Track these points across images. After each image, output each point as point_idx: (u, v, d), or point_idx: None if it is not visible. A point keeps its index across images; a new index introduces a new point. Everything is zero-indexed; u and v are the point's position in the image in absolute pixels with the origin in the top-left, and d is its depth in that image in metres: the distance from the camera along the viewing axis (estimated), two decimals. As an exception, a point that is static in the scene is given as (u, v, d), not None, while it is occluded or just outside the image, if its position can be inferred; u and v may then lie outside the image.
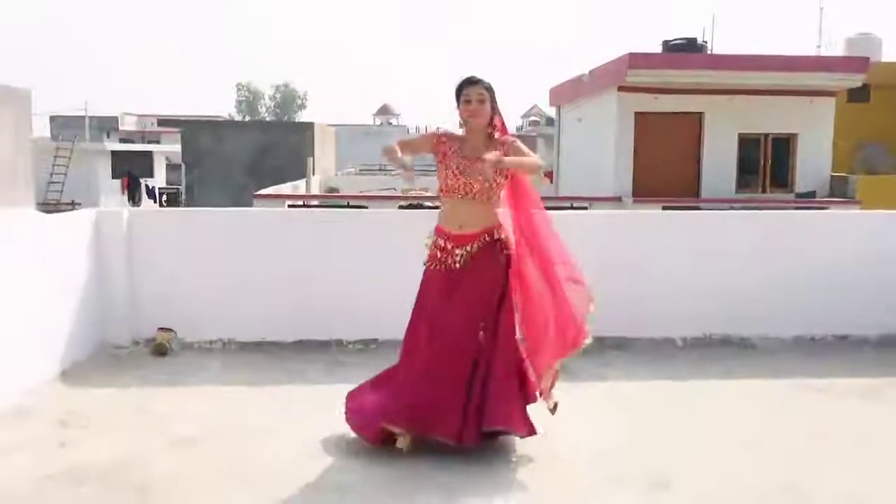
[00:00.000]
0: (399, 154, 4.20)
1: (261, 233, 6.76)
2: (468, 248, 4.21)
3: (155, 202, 28.95)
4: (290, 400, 5.30)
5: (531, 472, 4.17)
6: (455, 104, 4.29)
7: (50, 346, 5.65)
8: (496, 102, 4.29)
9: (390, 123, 66.51)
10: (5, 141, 6.60)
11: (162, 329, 6.53)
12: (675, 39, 17.41)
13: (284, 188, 17.15)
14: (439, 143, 4.31)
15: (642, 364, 6.27)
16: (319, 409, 4.83)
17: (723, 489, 3.98)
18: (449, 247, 4.22)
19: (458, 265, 4.20)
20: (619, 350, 6.65)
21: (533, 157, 4.31)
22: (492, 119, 4.28)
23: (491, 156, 3.97)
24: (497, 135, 4.30)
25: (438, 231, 4.32)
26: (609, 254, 6.79)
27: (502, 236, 4.30)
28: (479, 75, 4.28)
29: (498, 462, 4.26)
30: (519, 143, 4.33)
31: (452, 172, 4.21)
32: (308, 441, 4.51)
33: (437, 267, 4.25)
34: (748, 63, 14.57)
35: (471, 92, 4.22)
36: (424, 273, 4.33)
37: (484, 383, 4.12)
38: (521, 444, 4.41)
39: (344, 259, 6.65)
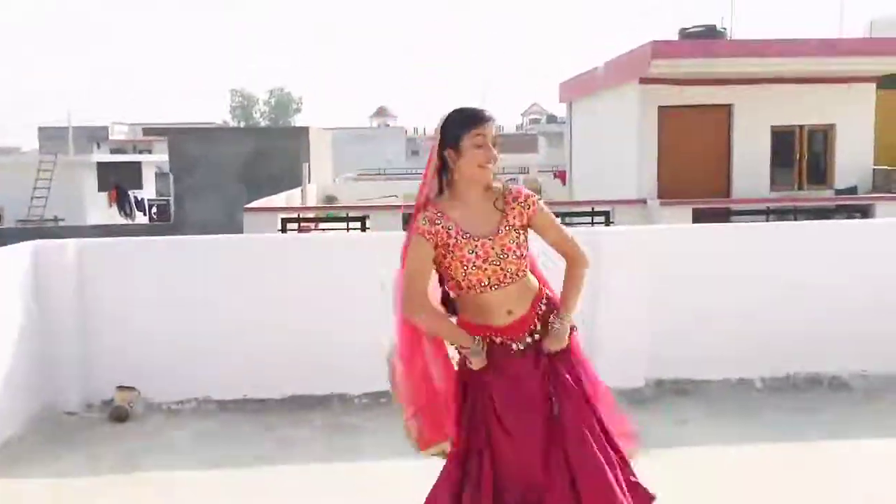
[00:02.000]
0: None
1: (244, 264, 5.54)
2: (530, 333, 3.00)
3: (145, 215, 27.70)
4: (279, 489, 4.07)
5: None
6: (446, 146, 2.96)
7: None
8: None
9: (387, 125, 65.65)
10: None
11: (122, 388, 5.30)
12: (693, 27, 16.18)
13: (278, 199, 15.88)
14: (431, 236, 2.94)
15: (724, 418, 5.01)
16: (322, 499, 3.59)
17: None
18: (505, 341, 2.99)
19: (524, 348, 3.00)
20: (691, 398, 5.42)
21: (576, 247, 3.09)
22: None
23: (558, 329, 2.98)
24: (496, 188, 3.00)
25: (479, 331, 3.00)
26: (664, 281, 5.55)
27: (549, 293, 3.09)
28: (488, 110, 3.01)
29: None
30: (543, 206, 3.04)
31: (473, 264, 2.93)
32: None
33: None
34: (781, 49, 13.31)
35: (487, 132, 2.93)
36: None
37: None
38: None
39: (346, 291, 5.39)
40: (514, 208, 2.96)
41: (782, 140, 14.74)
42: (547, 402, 2.92)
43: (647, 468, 4.25)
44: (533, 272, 3.13)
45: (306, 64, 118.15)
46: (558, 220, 3.10)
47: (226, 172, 21.19)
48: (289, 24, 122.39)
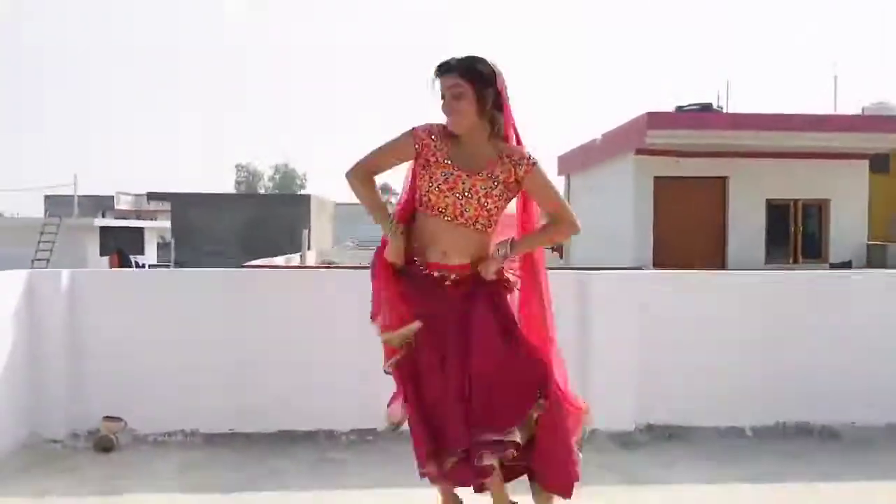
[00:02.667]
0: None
1: (233, 298, 5.54)
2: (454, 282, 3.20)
3: (145, 280, 27.81)
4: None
5: None
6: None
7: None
8: (496, 94, 3.12)
9: (390, 203, 66.02)
10: None
11: (108, 418, 5.26)
12: (690, 105, 16.55)
13: (277, 260, 16.01)
14: (420, 142, 3.15)
15: (709, 462, 4.97)
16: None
17: None
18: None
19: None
20: (679, 442, 5.38)
21: (566, 210, 3.25)
22: (493, 119, 3.13)
23: (497, 254, 3.16)
24: (502, 143, 3.17)
25: (408, 256, 3.22)
26: (654, 324, 5.59)
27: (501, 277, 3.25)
28: (456, 57, 3.14)
29: None
30: (541, 170, 3.19)
31: (438, 187, 3.12)
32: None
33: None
34: (775, 122, 13.61)
35: (443, 84, 3.12)
36: None
37: None
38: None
39: (334, 329, 5.41)
40: (504, 163, 3.12)
41: (777, 213, 14.95)
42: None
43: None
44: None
45: (310, 140, 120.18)
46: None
47: (227, 238, 21.40)
48: (294, 100, 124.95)
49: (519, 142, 3.24)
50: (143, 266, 28.35)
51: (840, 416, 5.69)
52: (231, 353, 5.42)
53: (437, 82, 3.12)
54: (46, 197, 51.89)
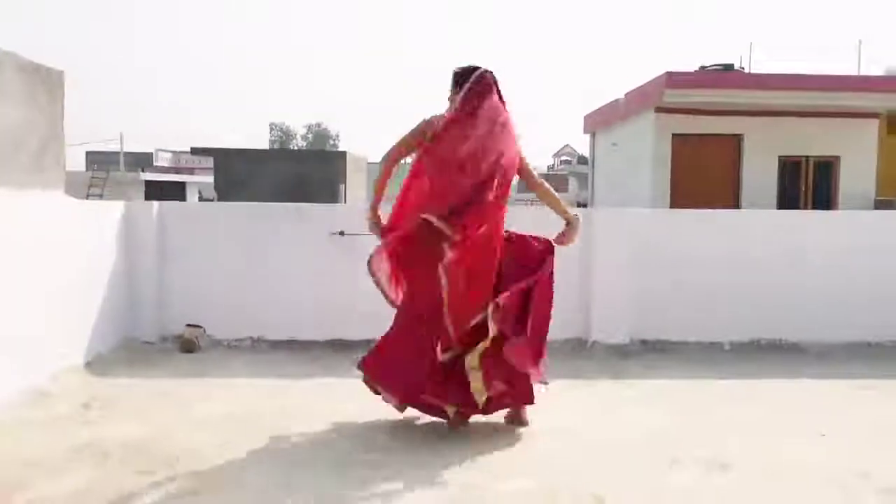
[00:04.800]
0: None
1: (292, 229, 6.57)
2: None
3: (188, 232, 29.02)
4: (322, 391, 5.06)
5: (582, 452, 3.88)
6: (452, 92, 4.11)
7: (75, 335, 5.47)
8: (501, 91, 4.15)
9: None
10: (40, 122, 6.48)
11: (190, 325, 6.36)
12: (712, 65, 17.16)
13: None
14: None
15: (686, 366, 5.95)
16: (354, 398, 4.56)
17: (789, 471, 3.65)
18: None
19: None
20: (663, 353, 6.36)
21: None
22: None
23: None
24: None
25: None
26: (652, 254, 6.56)
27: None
28: (481, 64, 4.12)
29: (532, 440, 4.00)
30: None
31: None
32: (339, 422, 4.29)
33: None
34: (789, 83, 14.25)
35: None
36: None
37: None
38: (566, 428, 4.18)
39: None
40: None
41: (789, 169, 15.60)
42: None
43: (621, 392, 5.25)
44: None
45: (344, 99, 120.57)
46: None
47: (267, 193, 22.45)
48: (329, 58, 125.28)
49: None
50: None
51: (809, 335, 6.63)
52: (290, 274, 6.46)
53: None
54: (88, 153, 53.46)
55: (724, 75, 15.25)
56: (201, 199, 32.74)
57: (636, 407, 4.75)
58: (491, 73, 4.09)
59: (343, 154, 23.71)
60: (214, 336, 6.40)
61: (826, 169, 15.62)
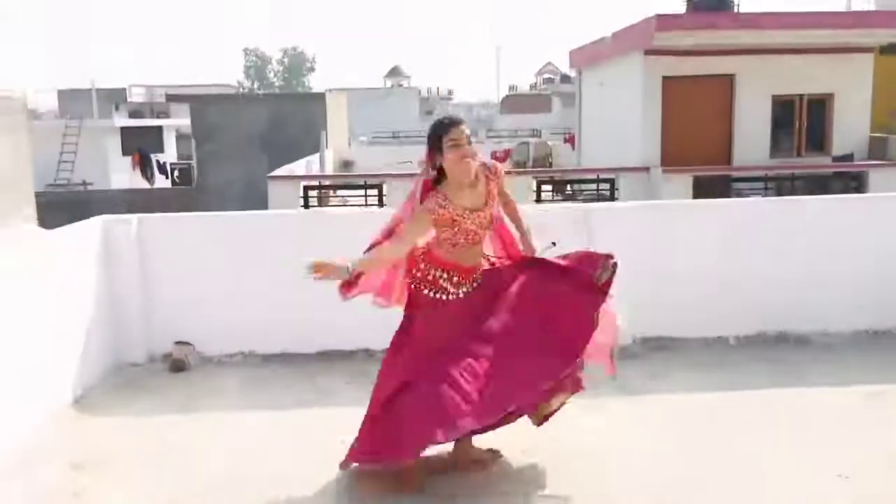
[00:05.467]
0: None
1: (280, 236, 6.29)
2: (475, 276, 4.06)
3: (167, 178, 28.55)
4: (317, 426, 4.87)
5: None
6: (432, 150, 3.86)
7: (60, 373, 5.25)
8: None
9: (401, 85, 65.75)
10: (2, 156, 6.10)
11: (179, 343, 6.13)
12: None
13: (298, 167, 16.65)
14: (437, 213, 3.87)
15: (695, 371, 5.78)
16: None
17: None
18: (456, 279, 4.01)
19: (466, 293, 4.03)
20: (668, 353, 6.19)
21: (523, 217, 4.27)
22: None
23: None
24: (476, 165, 3.93)
25: (447, 265, 4.01)
26: (647, 250, 6.31)
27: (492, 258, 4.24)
28: (456, 116, 4.04)
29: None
30: (502, 170, 4.10)
31: (474, 232, 3.95)
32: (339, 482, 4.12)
33: (440, 296, 4.00)
34: (782, 21, 13.82)
35: (459, 134, 3.81)
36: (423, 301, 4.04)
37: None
38: (565, 478, 4.02)
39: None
40: (492, 180, 3.95)
41: (783, 108, 15.31)
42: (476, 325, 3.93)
43: (626, 411, 5.11)
44: (510, 247, 4.21)
45: (319, 23, 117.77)
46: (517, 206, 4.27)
47: (246, 138, 21.93)
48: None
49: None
50: (164, 164, 29.04)
51: (814, 325, 6.48)
52: (279, 283, 6.20)
53: (451, 133, 3.78)
54: (60, 92, 51.93)
55: (715, 17, 14.78)
56: (179, 136, 31.87)
57: (647, 438, 4.58)
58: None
59: (322, 95, 23.11)
60: (204, 353, 6.18)
61: (820, 107, 15.32)
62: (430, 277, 3.98)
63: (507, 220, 4.25)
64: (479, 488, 3.93)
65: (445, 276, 3.97)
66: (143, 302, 6.13)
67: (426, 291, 4.00)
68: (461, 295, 4.00)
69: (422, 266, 4.02)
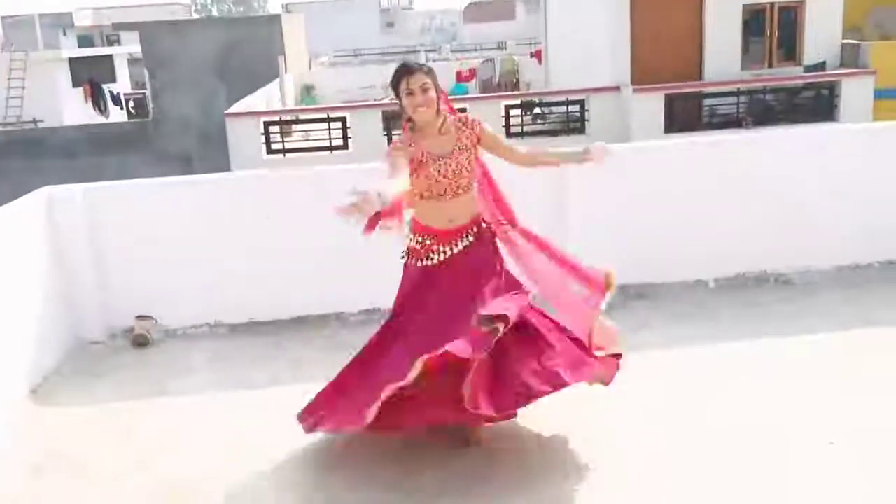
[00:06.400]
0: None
1: (239, 199, 5.97)
2: (462, 240, 3.96)
3: (122, 109, 27.53)
4: (291, 405, 4.67)
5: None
6: (397, 98, 3.87)
7: (13, 364, 4.96)
8: (437, 84, 3.88)
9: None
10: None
11: (140, 317, 5.86)
12: None
13: (257, 99, 16.02)
14: (407, 150, 3.83)
15: (677, 321, 5.63)
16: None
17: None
18: (436, 245, 3.96)
19: (448, 256, 3.95)
20: (648, 301, 6.01)
21: (516, 148, 4.15)
22: (438, 103, 3.86)
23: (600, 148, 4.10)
24: (450, 117, 3.93)
25: (423, 230, 3.96)
26: (625, 191, 6.07)
27: (487, 222, 4.09)
28: (415, 62, 3.93)
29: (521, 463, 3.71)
30: (488, 126, 3.97)
31: (435, 179, 3.84)
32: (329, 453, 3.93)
33: (422, 263, 3.98)
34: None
35: (413, 83, 3.77)
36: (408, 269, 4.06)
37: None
38: (562, 451, 3.87)
39: (335, 222, 5.86)
40: (464, 131, 3.88)
41: (753, 18, 14.88)
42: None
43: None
44: (498, 203, 4.10)
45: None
46: (502, 137, 4.16)
47: (201, 66, 21.10)
48: None
49: (453, 112, 3.99)
50: (118, 95, 28.00)
51: (794, 263, 6.33)
52: (243, 247, 5.91)
53: (404, 82, 3.75)
54: (2, 18, 49.70)
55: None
56: (132, 61, 30.60)
57: (636, 403, 4.44)
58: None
59: (277, 18, 22.19)
60: (168, 326, 5.91)
61: (790, 14, 14.91)
62: (412, 245, 4.00)
63: (494, 175, 4.16)
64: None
65: (426, 241, 3.95)
66: (99, 276, 5.81)
67: (409, 260, 4.04)
68: (435, 262, 3.95)
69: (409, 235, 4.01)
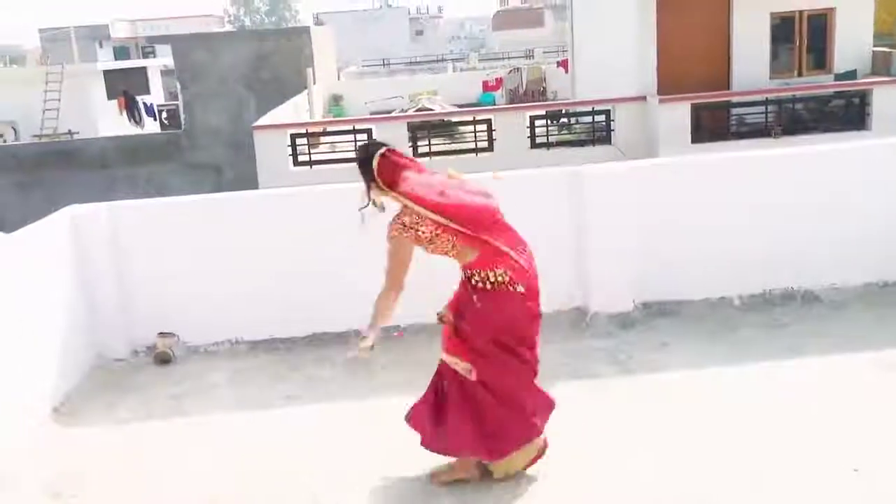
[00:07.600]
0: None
1: (260, 218, 6.01)
2: None
3: (155, 120, 27.90)
4: (311, 427, 4.68)
5: None
6: None
7: (37, 384, 5.02)
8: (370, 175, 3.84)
9: (389, 6, 64.00)
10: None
11: (162, 334, 5.90)
12: None
13: (286, 110, 16.13)
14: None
15: (700, 340, 5.54)
16: (345, 434, 4.30)
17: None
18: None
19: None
20: (670, 319, 5.93)
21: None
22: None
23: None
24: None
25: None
26: (647, 207, 6.00)
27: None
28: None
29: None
30: (391, 234, 3.89)
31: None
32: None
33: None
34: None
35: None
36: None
37: None
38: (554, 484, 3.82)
39: (354, 240, 5.87)
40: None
41: (782, 26, 14.67)
42: None
43: (630, 390, 4.87)
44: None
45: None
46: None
47: (231, 78, 21.33)
48: None
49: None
50: (151, 106, 28.36)
51: (821, 280, 6.21)
52: (264, 266, 5.94)
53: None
54: (41, 31, 50.70)
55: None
56: (165, 72, 30.99)
57: (651, 426, 4.37)
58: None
59: (306, 30, 22.36)
60: (190, 343, 5.96)
61: (820, 22, 14.68)
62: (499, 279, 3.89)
63: None
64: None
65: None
66: (122, 295, 5.87)
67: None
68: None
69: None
